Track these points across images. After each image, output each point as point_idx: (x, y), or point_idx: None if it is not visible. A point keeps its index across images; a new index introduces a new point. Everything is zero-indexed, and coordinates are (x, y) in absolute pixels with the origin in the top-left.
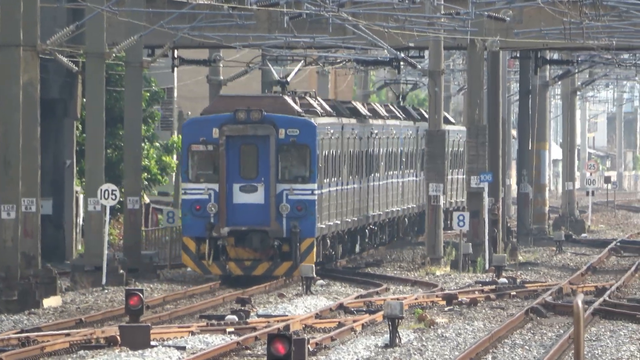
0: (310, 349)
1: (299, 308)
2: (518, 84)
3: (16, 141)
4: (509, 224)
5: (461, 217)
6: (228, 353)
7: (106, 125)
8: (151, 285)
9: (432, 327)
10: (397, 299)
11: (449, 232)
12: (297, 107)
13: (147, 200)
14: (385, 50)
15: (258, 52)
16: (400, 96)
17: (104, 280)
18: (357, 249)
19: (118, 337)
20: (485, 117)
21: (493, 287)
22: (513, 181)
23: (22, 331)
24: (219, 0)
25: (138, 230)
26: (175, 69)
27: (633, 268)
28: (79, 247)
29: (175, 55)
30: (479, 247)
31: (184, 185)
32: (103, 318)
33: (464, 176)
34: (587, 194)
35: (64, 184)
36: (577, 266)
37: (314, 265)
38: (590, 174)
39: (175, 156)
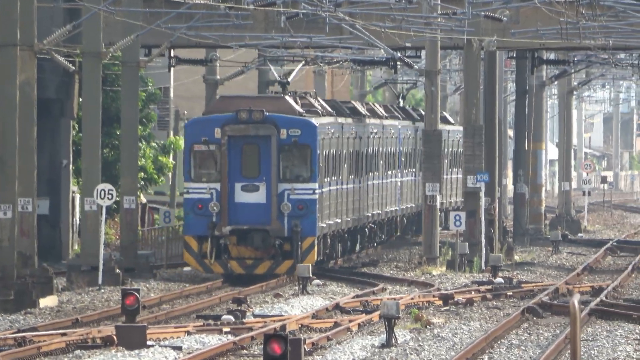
0: (307, 349)
1: (296, 308)
2: (514, 84)
3: (13, 141)
4: (505, 224)
5: (457, 217)
6: (224, 353)
7: (103, 125)
8: (147, 285)
9: (428, 327)
10: (394, 299)
11: (446, 231)
12: (298, 108)
13: (143, 200)
14: (382, 50)
15: (255, 52)
16: (400, 96)
17: (100, 280)
18: (357, 247)
19: (114, 337)
20: (481, 117)
21: (489, 287)
22: (509, 181)
23: (18, 331)
24: (216, 0)
25: (134, 230)
26: (172, 68)
27: (629, 268)
28: (76, 246)
29: (172, 55)
30: (475, 247)
31: (186, 185)
32: (99, 318)
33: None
34: (584, 194)
35: (60, 184)
36: (573, 266)
37: (310, 265)
38: (587, 174)
39: (171, 156)
